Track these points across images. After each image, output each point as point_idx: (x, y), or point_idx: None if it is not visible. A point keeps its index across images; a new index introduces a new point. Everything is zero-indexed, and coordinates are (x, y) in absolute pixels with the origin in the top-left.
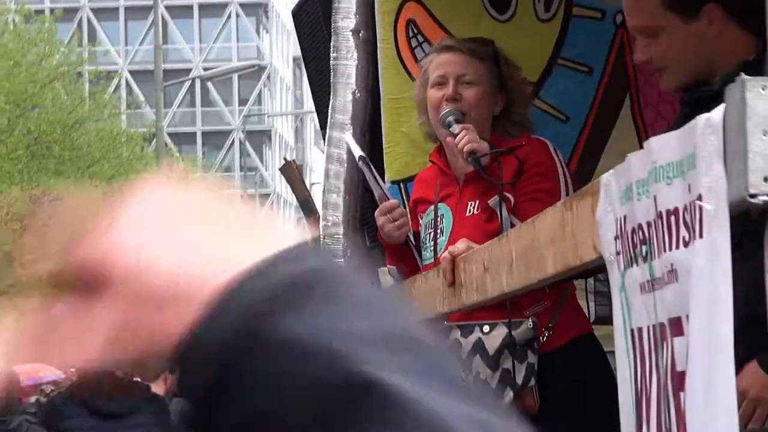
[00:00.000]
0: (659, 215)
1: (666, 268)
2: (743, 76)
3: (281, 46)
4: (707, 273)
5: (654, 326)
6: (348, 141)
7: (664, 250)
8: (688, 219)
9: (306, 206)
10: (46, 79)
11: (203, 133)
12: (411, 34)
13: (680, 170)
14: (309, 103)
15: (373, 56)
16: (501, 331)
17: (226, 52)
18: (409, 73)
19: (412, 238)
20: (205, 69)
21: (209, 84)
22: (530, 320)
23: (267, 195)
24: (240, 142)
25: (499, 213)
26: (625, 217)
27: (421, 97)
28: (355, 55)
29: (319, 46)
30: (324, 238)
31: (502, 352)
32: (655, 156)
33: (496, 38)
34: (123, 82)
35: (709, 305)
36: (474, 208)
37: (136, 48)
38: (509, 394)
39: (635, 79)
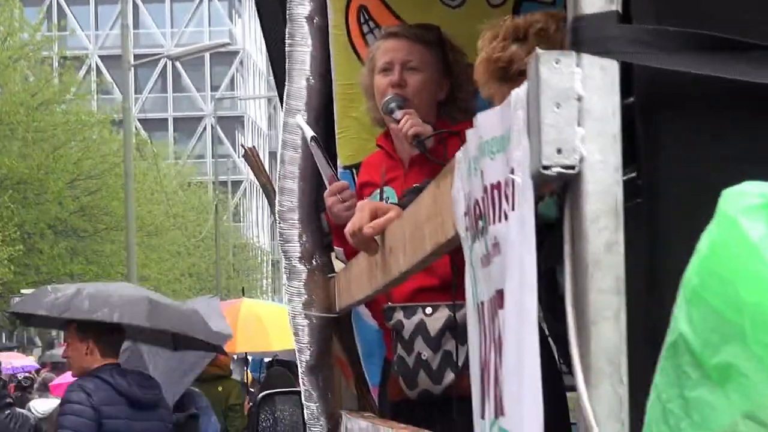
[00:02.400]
0: (485, 190)
1: (492, 241)
2: (538, 50)
3: (254, 31)
4: (517, 244)
5: (490, 299)
6: (299, 123)
7: (491, 224)
8: (508, 193)
9: (267, 192)
10: (9, 60)
11: (175, 119)
12: (362, 20)
13: (502, 145)
14: None
15: (327, 43)
16: (443, 314)
17: (198, 37)
18: (360, 59)
19: None
20: None
21: (181, 69)
22: None
23: (240, 182)
24: (212, 128)
25: None
26: (469, 193)
27: (368, 84)
28: (310, 42)
29: (279, 32)
30: (279, 223)
31: (443, 334)
32: (481, 131)
33: (448, 24)
34: (93, 66)
35: (519, 276)
36: None
37: (106, 32)
38: (450, 375)
39: None
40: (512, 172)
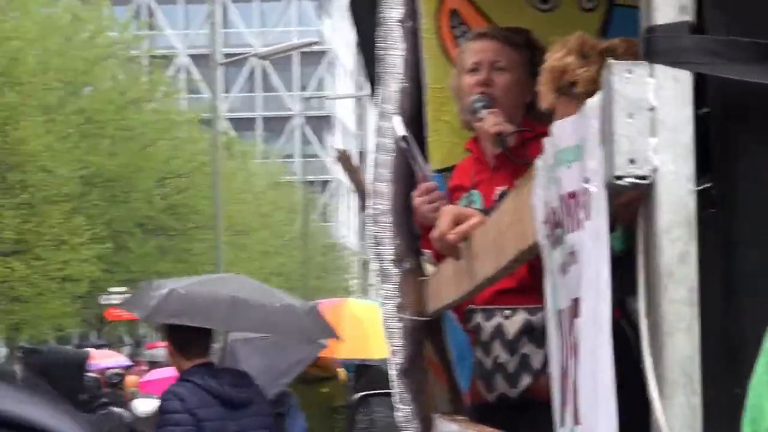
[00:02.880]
0: (561, 198)
1: (568, 250)
2: (610, 60)
3: (343, 31)
4: (593, 253)
5: (568, 307)
6: (395, 123)
7: (568, 233)
8: (584, 202)
9: (360, 194)
10: (98, 58)
11: (263, 119)
12: (454, 24)
13: (577, 154)
14: None
15: (418, 46)
16: (521, 317)
17: (287, 36)
18: (452, 63)
19: None
20: None
21: (269, 69)
22: None
23: (328, 182)
24: (301, 128)
25: None
26: (548, 201)
27: (458, 85)
28: (401, 45)
29: (372, 36)
30: (372, 225)
31: (520, 338)
32: (557, 140)
33: (539, 28)
34: (182, 65)
35: (594, 285)
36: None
37: (195, 32)
38: (527, 378)
39: None
40: (587, 181)
